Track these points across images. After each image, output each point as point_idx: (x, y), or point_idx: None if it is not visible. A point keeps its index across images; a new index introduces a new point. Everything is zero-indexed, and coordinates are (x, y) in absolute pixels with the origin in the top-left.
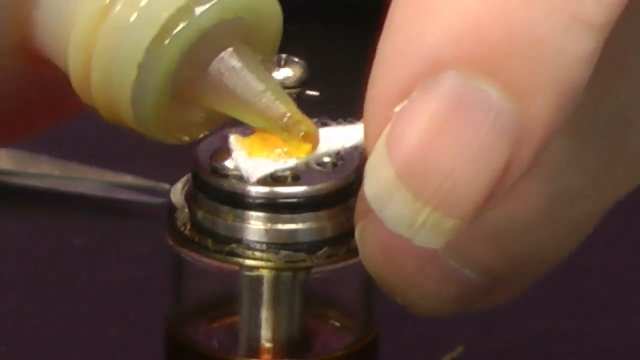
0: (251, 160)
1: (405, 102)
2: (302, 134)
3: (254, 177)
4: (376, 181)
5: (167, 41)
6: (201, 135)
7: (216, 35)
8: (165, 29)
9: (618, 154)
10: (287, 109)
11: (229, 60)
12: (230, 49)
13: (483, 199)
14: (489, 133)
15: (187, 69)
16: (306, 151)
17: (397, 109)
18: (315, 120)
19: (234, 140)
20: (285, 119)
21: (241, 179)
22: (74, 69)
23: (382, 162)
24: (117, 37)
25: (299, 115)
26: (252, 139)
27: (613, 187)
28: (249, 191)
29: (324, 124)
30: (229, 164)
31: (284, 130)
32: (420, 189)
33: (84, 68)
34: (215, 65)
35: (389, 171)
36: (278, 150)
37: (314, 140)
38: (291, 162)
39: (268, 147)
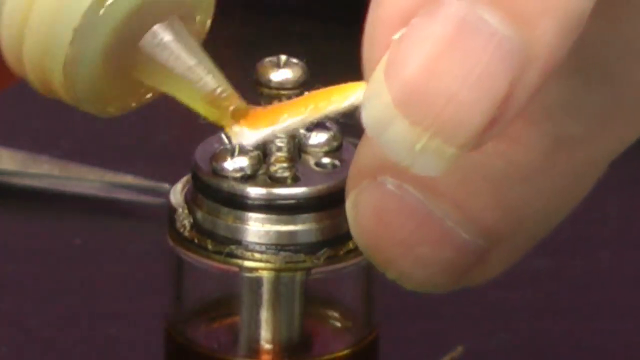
0: (246, 129)
1: (405, 29)
2: (231, 108)
3: (250, 142)
4: (375, 108)
5: (102, 11)
6: (129, 109)
7: (150, 9)
8: None
9: (623, 97)
10: (217, 84)
11: (162, 34)
12: (163, 23)
13: (485, 125)
14: (493, 57)
15: (121, 41)
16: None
17: (396, 36)
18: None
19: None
20: (215, 94)
21: (241, 179)
22: (7, 36)
23: (381, 88)
24: (54, 3)
25: (229, 90)
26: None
27: (618, 133)
28: (248, 192)
29: (323, 124)
30: (228, 165)
31: (213, 105)
32: (420, 115)
33: (17, 36)
34: (147, 38)
35: (387, 97)
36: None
37: (245, 117)
38: (288, 122)
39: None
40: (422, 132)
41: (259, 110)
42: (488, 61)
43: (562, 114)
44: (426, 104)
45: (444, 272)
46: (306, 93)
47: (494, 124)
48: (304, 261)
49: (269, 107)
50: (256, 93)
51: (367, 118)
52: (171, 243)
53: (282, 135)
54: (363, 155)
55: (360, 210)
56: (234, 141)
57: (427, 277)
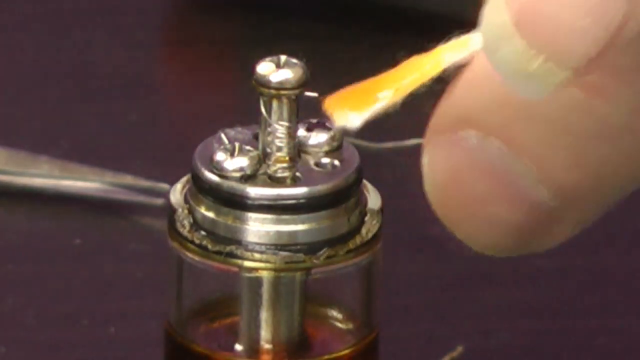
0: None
1: None
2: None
3: (356, 125)
4: (491, 25)
5: None
6: None
7: None
8: None
9: None
10: None
11: None
12: None
13: (596, 50)
14: None
15: None
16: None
17: None
18: (313, 121)
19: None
20: None
21: (241, 179)
22: None
23: (500, 6)
24: None
25: None
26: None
27: None
28: (248, 192)
29: (322, 124)
30: (228, 165)
31: None
32: (534, 37)
33: None
34: None
35: (505, 16)
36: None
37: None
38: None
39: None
40: (537, 53)
41: (352, 90)
42: None
43: None
44: (541, 27)
45: (513, 234)
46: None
47: (604, 54)
48: (304, 261)
49: (362, 85)
50: (256, 93)
51: (484, 34)
52: (171, 243)
53: (282, 134)
54: (445, 107)
55: (436, 166)
56: (339, 124)
57: (496, 238)
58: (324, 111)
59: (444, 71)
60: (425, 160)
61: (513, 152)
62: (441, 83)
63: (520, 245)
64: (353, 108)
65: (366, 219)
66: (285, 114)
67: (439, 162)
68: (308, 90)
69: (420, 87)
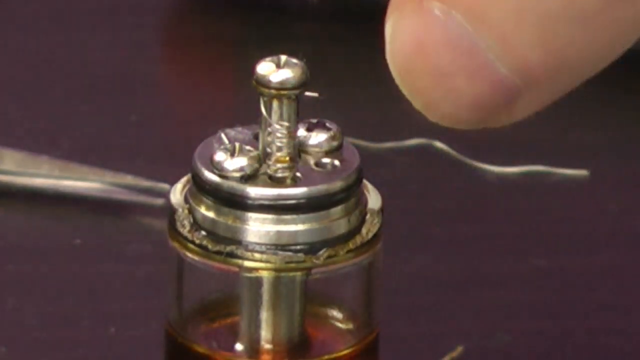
0: None
1: None
2: None
3: None
4: None
5: None
6: None
7: None
8: None
9: None
10: None
11: None
12: None
13: None
14: None
15: None
16: None
17: None
18: (314, 121)
19: None
20: None
21: (241, 179)
22: None
23: None
24: None
25: None
26: None
27: None
28: (248, 192)
29: (323, 125)
30: (228, 165)
31: None
32: None
33: None
34: None
35: None
36: None
37: None
38: None
39: None
40: None
41: None
42: None
43: None
44: None
45: (473, 106)
46: None
47: None
48: (304, 261)
49: None
50: (256, 93)
51: None
52: (171, 243)
53: (283, 134)
54: None
55: (399, 34)
56: None
57: (455, 109)
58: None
59: None
60: (389, 28)
61: (479, 27)
62: None
63: (478, 119)
64: None
65: (366, 219)
66: (285, 114)
67: (404, 31)
68: (308, 90)
69: None
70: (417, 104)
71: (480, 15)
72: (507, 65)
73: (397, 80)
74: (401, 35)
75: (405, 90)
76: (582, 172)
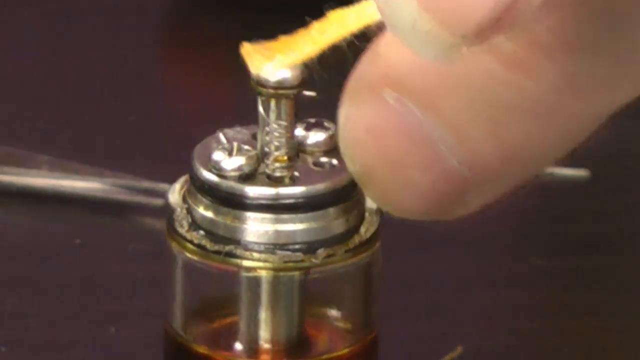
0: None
1: None
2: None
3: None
4: None
5: None
6: None
7: None
8: None
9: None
10: None
11: None
12: None
13: (487, 20)
14: None
15: None
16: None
17: None
18: (312, 120)
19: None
20: None
21: (240, 179)
22: None
23: None
24: None
25: None
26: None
27: (631, 81)
28: (246, 192)
29: (321, 124)
30: (227, 164)
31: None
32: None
33: None
34: None
35: None
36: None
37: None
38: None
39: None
40: (426, 15)
41: (271, 44)
42: None
43: (584, 53)
44: None
45: (426, 199)
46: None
47: (499, 25)
48: (303, 261)
49: (282, 40)
50: (254, 93)
51: None
52: (170, 243)
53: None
54: (366, 64)
55: (353, 121)
56: (254, 71)
57: (407, 201)
58: (241, 55)
59: (368, 26)
60: (342, 115)
61: (432, 118)
62: (365, 39)
63: (432, 211)
64: (269, 58)
65: (365, 218)
66: (283, 114)
67: (358, 117)
68: (306, 90)
69: (342, 40)
70: (368, 194)
71: (433, 106)
72: (459, 157)
73: (350, 168)
74: (355, 121)
75: (357, 178)
76: (582, 172)
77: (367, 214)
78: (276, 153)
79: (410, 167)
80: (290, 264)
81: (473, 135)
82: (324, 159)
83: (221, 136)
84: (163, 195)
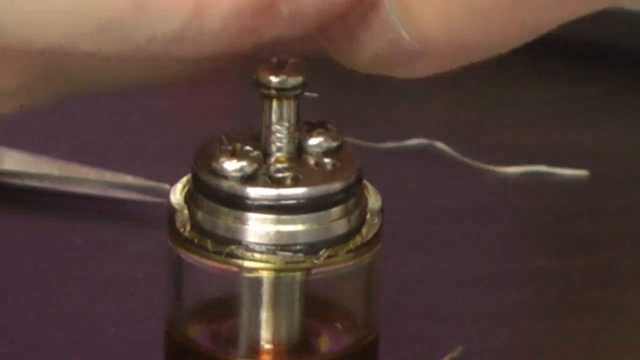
0: None
1: None
2: None
3: None
4: None
5: None
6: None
7: None
8: None
9: None
10: None
11: None
12: None
13: None
14: None
15: None
16: None
17: None
18: (314, 121)
19: None
20: None
21: (241, 179)
22: None
23: None
24: None
25: None
26: None
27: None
28: (248, 193)
29: (323, 126)
30: (228, 165)
31: None
32: None
33: None
34: None
35: None
36: None
37: None
38: None
39: None
40: None
41: None
42: None
43: None
44: None
45: (373, 56)
46: None
47: None
48: (304, 261)
49: None
50: (256, 93)
51: None
52: (171, 243)
53: (282, 134)
54: None
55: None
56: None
57: (356, 55)
58: None
59: None
60: None
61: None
62: None
63: (377, 67)
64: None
65: (366, 219)
66: (285, 115)
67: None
68: (308, 91)
69: None
70: (332, 52)
71: None
72: (408, 32)
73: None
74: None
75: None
76: (582, 172)
77: (368, 215)
78: (278, 154)
79: (361, 29)
80: (292, 265)
81: (426, 16)
82: (325, 160)
83: (223, 137)
84: (163, 195)
